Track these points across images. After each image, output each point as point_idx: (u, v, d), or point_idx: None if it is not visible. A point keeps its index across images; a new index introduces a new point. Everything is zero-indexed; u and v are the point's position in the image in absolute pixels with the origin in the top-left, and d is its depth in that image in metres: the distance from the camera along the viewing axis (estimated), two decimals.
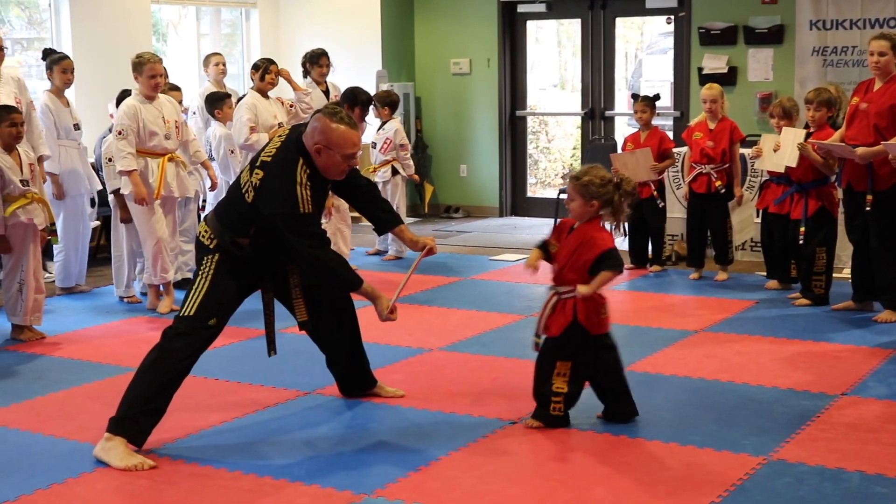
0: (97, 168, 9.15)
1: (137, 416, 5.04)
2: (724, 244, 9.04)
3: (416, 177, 10.75)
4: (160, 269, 8.07)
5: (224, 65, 10.48)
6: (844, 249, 8.83)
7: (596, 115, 12.53)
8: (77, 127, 8.80)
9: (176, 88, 8.98)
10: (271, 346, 5.50)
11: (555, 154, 14.26)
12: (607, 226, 5.32)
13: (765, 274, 8.81)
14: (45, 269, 8.15)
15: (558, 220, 5.42)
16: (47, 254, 8.71)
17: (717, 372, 6.30)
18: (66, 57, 8.79)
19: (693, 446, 5.07)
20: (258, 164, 5.17)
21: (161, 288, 8.22)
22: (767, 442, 5.09)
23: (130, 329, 7.69)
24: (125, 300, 8.50)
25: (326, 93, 9.98)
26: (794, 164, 8.00)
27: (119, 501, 4.64)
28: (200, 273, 5.21)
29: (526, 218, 12.83)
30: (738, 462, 4.85)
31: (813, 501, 4.42)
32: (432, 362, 6.68)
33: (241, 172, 5.31)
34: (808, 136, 7.99)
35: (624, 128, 12.63)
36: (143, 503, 4.58)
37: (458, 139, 13.20)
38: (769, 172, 8.39)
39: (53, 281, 8.92)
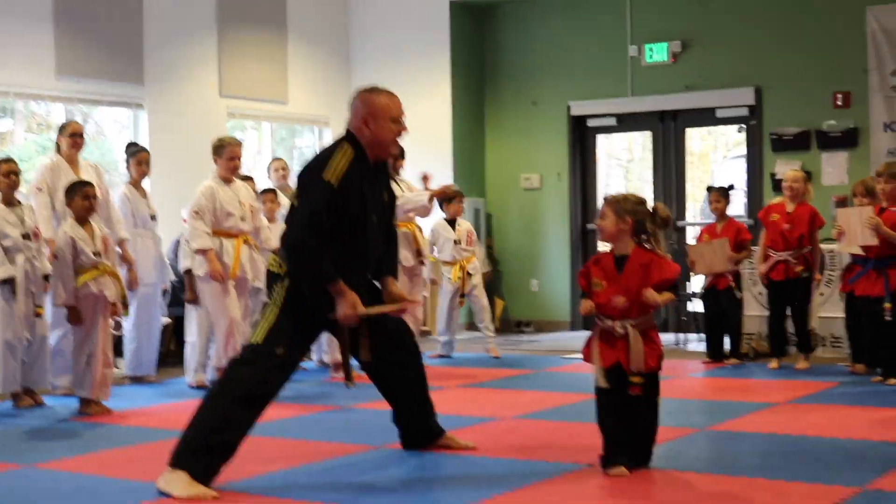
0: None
1: (200, 450, 4.85)
2: (805, 331, 8.77)
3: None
4: (231, 350, 7.96)
5: (284, 169, 10.56)
6: None
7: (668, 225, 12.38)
8: (153, 217, 8.89)
9: (249, 178, 9.07)
10: (349, 377, 5.33)
11: None
12: None
13: (847, 365, 8.51)
14: (114, 364, 8.09)
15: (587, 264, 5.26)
16: (117, 350, 8.68)
17: (805, 429, 6.03)
18: (143, 150, 8.94)
19: (782, 480, 4.80)
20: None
21: None
22: (862, 476, 4.80)
23: None
24: (194, 385, 8.39)
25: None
26: (873, 242, 7.80)
27: None
28: (271, 301, 5.11)
29: None
30: (831, 491, 4.56)
31: None
32: (506, 426, 6.48)
33: None
34: (882, 211, 7.82)
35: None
36: None
37: (529, 254, 13.13)
38: (851, 255, 8.20)
39: (124, 377, 8.84)
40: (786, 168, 11.41)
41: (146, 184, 9.07)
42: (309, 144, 13.43)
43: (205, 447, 4.87)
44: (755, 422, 6.32)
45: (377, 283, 5.40)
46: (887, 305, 7.69)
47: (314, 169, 5.07)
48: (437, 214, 10.29)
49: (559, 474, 5.03)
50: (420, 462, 5.43)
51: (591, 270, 5.12)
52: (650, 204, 5.11)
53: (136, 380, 8.80)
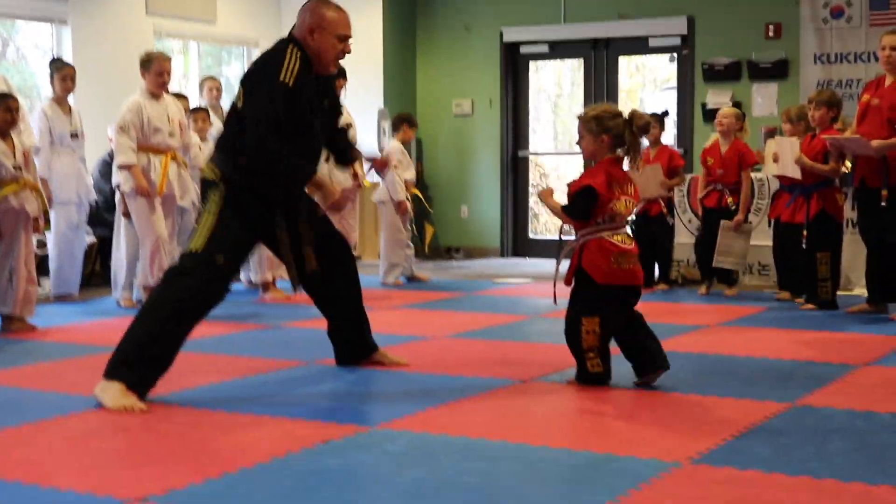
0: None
1: (136, 362, 4.76)
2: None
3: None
4: (157, 269, 7.83)
5: (219, 89, 10.33)
6: (854, 270, 8.66)
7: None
8: (75, 135, 8.62)
9: (183, 97, 8.89)
10: (295, 283, 5.25)
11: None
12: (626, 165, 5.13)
13: (774, 292, 8.61)
14: (38, 283, 7.89)
15: None
16: (42, 269, 8.48)
17: (734, 350, 6.08)
18: (68, 65, 8.69)
19: (714, 396, 4.84)
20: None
21: None
22: (791, 393, 4.86)
23: (127, 324, 7.43)
24: (122, 303, 8.25)
25: None
26: (798, 176, 7.87)
27: (110, 433, 4.37)
28: (206, 209, 4.97)
29: (528, 258, 12.62)
30: (762, 406, 4.61)
31: (845, 431, 4.20)
32: (439, 345, 6.46)
33: None
34: (813, 136, 7.90)
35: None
36: (135, 436, 4.32)
37: (460, 180, 13.07)
38: (780, 180, 8.26)
39: (47, 297, 8.66)
40: (717, 98, 11.49)
41: (71, 101, 8.82)
42: (236, 74, 13.16)
43: (141, 359, 4.77)
44: (685, 343, 6.36)
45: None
46: (804, 233, 7.79)
47: (266, 70, 4.93)
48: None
49: (492, 389, 5.02)
50: (353, 377, 5.40)
51: None
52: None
53: (61, 298, 8.63)
